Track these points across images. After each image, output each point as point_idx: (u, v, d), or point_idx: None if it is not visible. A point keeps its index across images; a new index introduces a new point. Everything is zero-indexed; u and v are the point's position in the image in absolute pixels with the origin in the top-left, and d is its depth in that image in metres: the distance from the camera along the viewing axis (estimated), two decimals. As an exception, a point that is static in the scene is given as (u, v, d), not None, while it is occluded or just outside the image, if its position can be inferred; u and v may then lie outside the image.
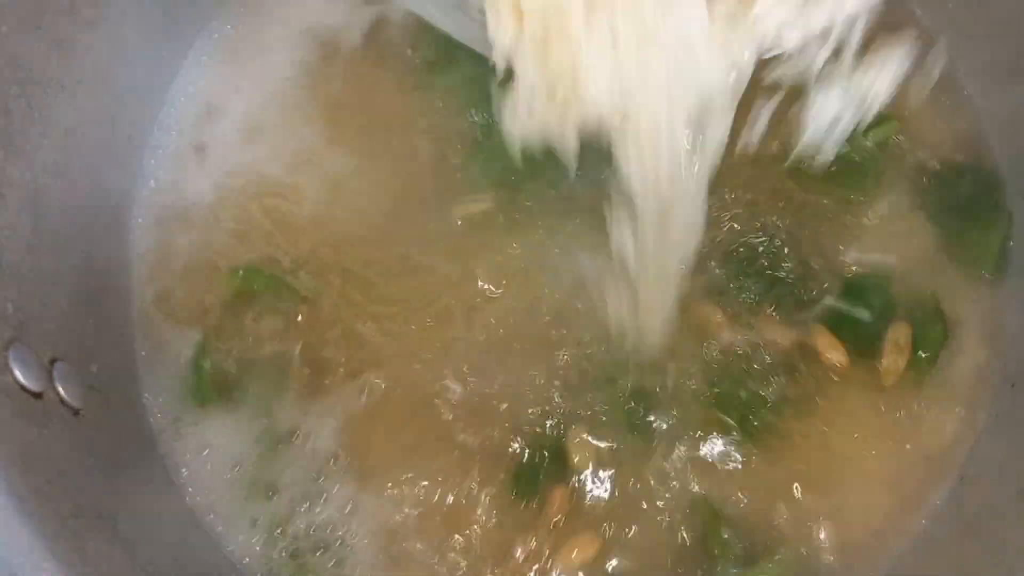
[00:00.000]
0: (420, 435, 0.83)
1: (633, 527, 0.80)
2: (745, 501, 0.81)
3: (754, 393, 0.83)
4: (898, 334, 0.83)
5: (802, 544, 0.80)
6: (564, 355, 0.84)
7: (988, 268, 0.87)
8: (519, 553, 0.79)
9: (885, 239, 0.88)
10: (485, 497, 0.81)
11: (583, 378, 0.83)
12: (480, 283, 0.87)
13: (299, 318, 0.87)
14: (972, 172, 0.90)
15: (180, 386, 0.86)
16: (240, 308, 0.87)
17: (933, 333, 0.85)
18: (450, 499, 0.81)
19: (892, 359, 0.83)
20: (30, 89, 0.76)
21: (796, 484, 0.82)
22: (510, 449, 0.82)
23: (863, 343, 0.84)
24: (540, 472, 0.81)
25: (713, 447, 0.82)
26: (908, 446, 0.83)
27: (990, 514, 0.78)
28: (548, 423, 0.82)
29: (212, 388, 0.85)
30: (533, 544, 0.80)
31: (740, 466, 0.82)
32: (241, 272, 0.88)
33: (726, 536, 0.79)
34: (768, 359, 0.83)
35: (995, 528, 0.76)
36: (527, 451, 0.82)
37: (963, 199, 0.89)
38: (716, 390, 0.83)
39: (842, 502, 0.81)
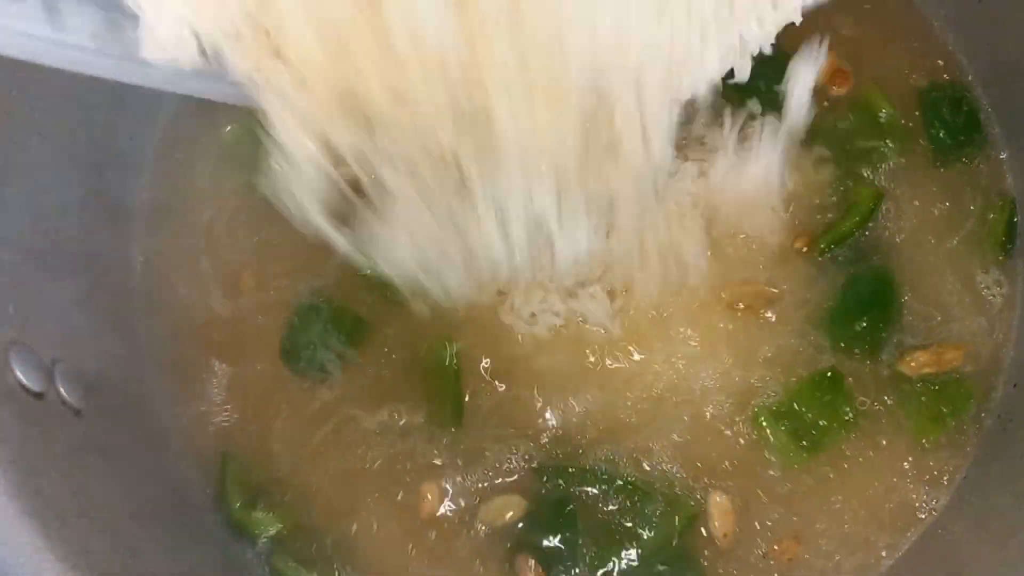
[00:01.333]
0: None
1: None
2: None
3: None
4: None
5: (802, 542, 0.81)
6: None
7: (996, 254, 0.87)
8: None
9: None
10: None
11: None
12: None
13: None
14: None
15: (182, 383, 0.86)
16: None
17: None
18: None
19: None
20: (30, 89, 0.76)
21: (794, 482, 0.82)
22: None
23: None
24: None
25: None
26: (908, 446, 0.83)
27: (990, 514, 0.78)
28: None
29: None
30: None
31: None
32: None
33: None
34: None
35: (995, 529, 0.76)
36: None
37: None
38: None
39: (841, 503, 0.82)
